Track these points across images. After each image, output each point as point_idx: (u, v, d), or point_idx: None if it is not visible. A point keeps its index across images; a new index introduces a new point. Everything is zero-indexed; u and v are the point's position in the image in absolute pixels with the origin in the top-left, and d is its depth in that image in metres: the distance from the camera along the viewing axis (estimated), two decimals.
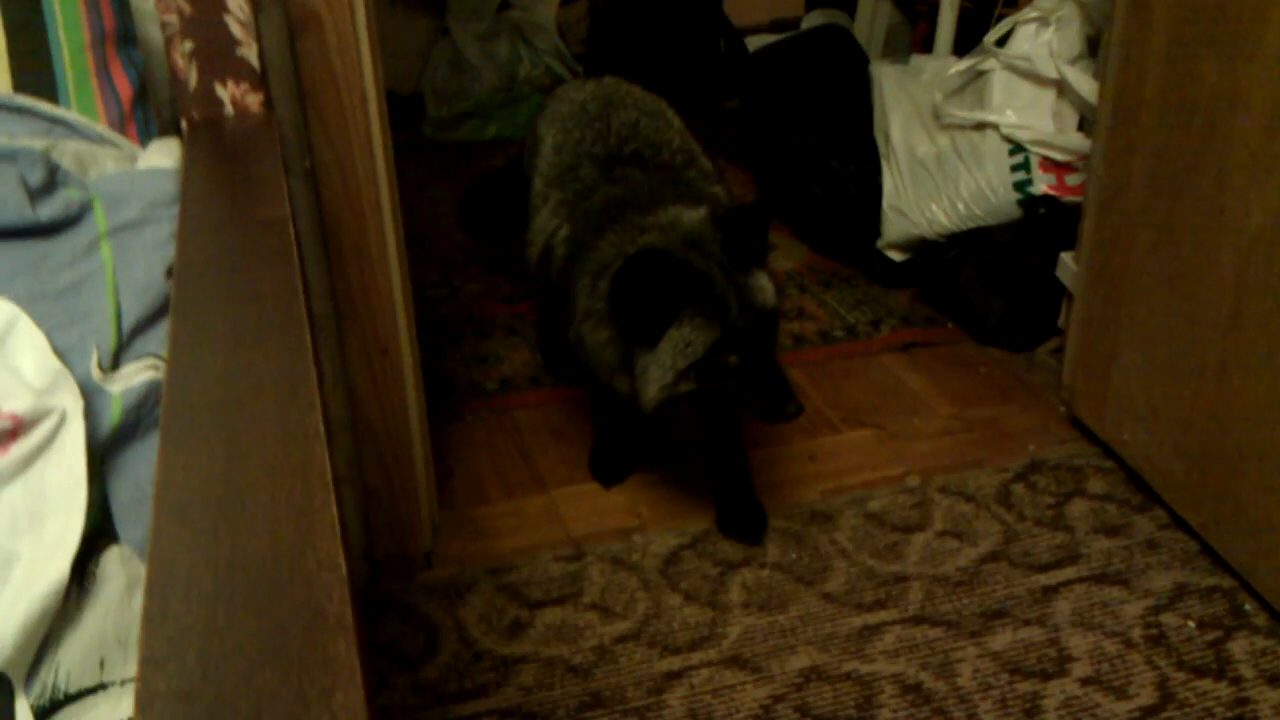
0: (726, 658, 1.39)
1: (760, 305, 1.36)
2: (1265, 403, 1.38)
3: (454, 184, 2.70)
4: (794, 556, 1.56)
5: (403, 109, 2.93)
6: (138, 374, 0.80)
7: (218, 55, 1.11)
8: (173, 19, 1.10)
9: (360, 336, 1.41)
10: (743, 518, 1.61)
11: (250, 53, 1.13)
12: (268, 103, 1.16)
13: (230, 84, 1.14)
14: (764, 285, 1.38)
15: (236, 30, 1.13)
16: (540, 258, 1.60)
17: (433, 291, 2.25)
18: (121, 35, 1.11)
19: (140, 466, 0.74)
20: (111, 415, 0.77)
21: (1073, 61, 2.04)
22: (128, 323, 0.85)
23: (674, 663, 1.38)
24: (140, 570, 0.67)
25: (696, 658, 1.39)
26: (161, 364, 0.81)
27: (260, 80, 1.14)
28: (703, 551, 1.57)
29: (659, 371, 1.34)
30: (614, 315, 1.37)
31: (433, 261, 2.36)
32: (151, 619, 0.49)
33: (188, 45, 1.10)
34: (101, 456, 0.75)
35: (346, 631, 0.46)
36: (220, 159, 1.04)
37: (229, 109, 1.12)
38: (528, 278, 1.91)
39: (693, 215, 1.41)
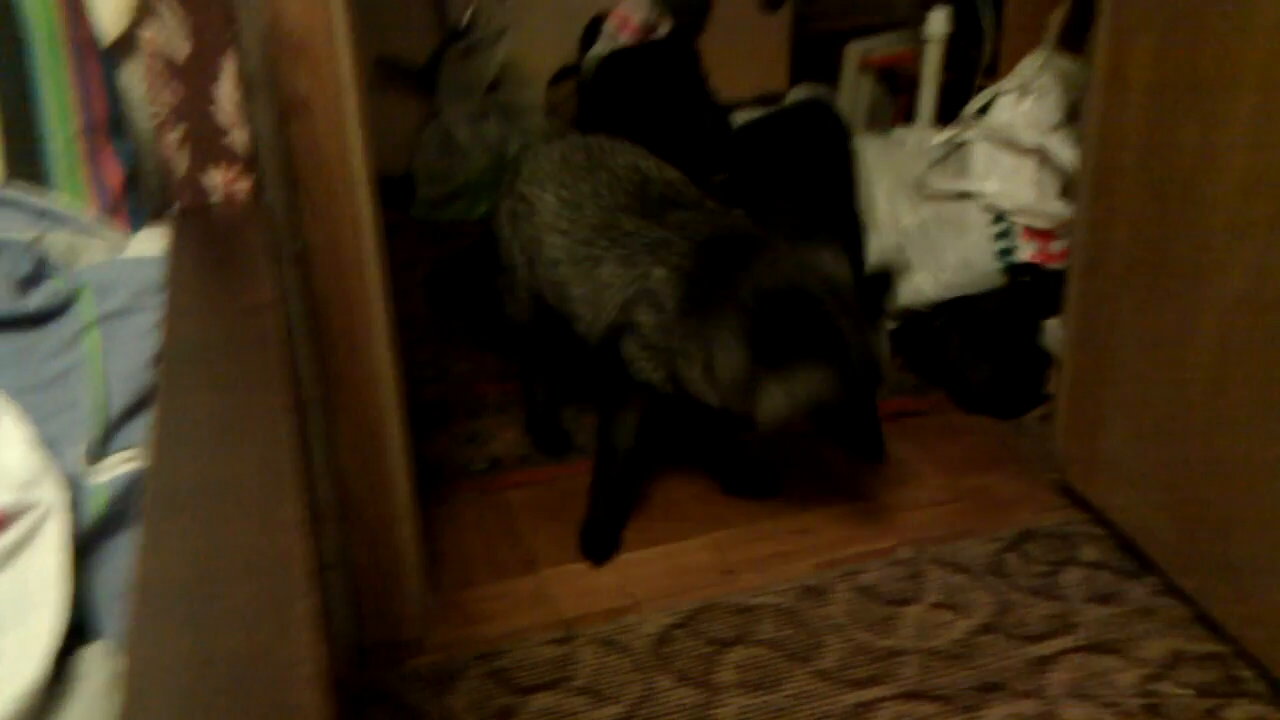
0: None
1: (880, 362, 1.52)
2: (1253, 465, 1.38)
3: None
4: (787, 633, 1.54)
5: (394, 190, 2.96)
6: (123, 464, 0.80)
7: (207, 141, 1.13)
8: (162, 106, 1.11)
9: (349, 420, 1.41)
10: (753, 475, 1.75)
11: (239, 139, 1.15)
12: (257, 188, 1.17)
13: (219, 170, 1.15)
14: (882, 343, 1.56)
15: (225, 117, 1.14)
16: (624, 307, 1.63)
17: (422, 372, 2.25)
18: (112, 123, 1.13)
19: (124, 559, 0.74)
20: (96, 506, 0.77)
21: (1053, 130, 2.07)
22: (114, 412, 0.85)
23: None
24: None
25: None
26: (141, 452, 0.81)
27: (249, 166, 1.16)
28: (695, 630, 1.55)
29: (786, 399, 1.49)
30: (754, 339, 1.48)
31: (423, 342, 2.36)
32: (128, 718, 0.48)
33: (177, 132, 1.12)
34: (85, 549, 0.74)
35: None
36: (207, 245, 1.05)
37: (217, 195, 1.13)
38: (510, 340, 1.95)
39: (839, 267, 1.54)
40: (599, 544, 1.73)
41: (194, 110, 1.12)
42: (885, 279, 1.58)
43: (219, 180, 1.13)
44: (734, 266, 1.55)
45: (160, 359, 0.80)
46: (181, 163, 1.12)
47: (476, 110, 3.11)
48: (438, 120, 3.13)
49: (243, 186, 1.13)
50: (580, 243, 1.68)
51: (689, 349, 1.56)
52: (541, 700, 1.43)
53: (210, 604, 0.56)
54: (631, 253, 1.62)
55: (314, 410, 1.38)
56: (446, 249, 2.83)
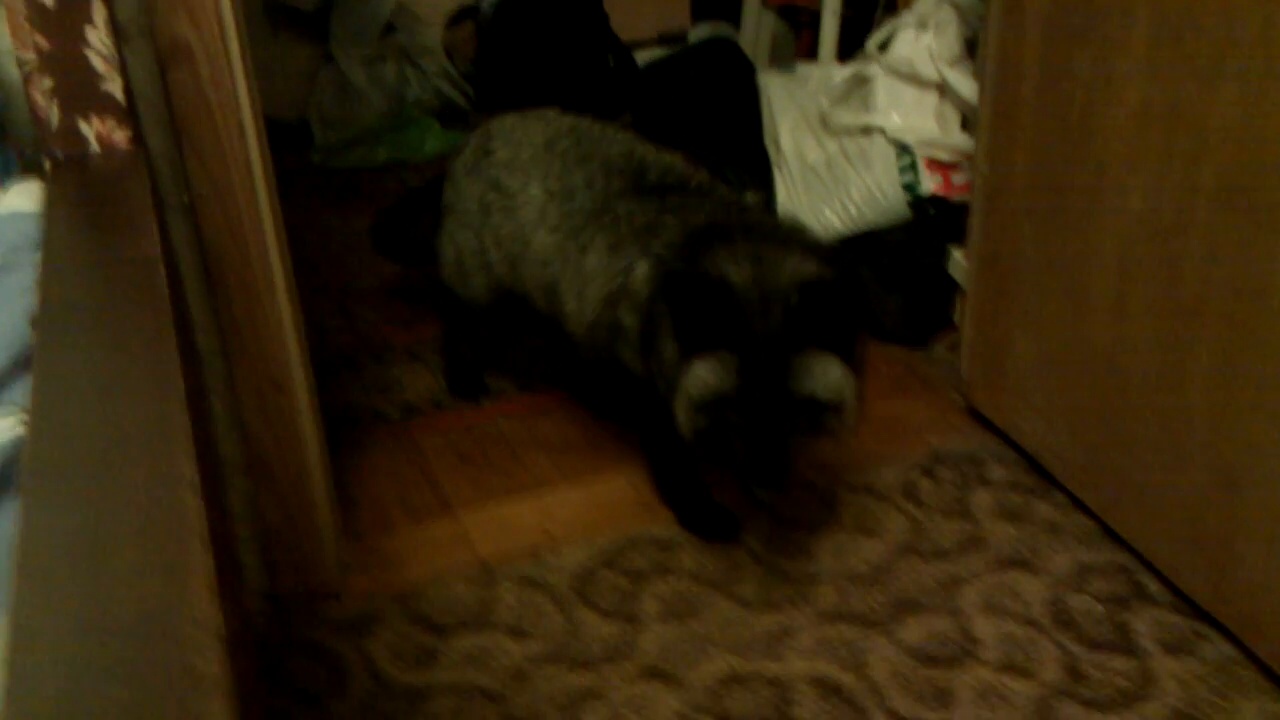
0: (643, 670, 1.38)
1: (794, 389, 1.31)
2: (1152, 384, 1.43)
3: (346, 211, 2.66)
4: (706, 563, 1.56)
5: (288, 137, 2.88)
6: (3, 428, 0.77)
7: (80, 91, 1.07)
8: (30, 55, 1.06)
9: (251, 372, 1.37)
10: (715, 518, 1.61)
11: (115, 87, 1.10)
12: (137, 138, 1.12)
13: (95, 120, 1.10)
14: (818, 372, 1.32)
15: (99, 64, 1.09)
16: (608, 302, 1.51)
17: (329, 321, 2.21)
18: None
19: (6, 524, 0.71)
20: None
21: (952, 63, 2.09)
22: None
23: (590, 679, 1.37)
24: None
25: (613, 673, 1.38)
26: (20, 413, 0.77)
27: (127, 115, 1.11)
28: (615, 565, 1.56)
29: (682, 397, 1.35)
30: (672, 321, 1.37)
31: (327, 291, 2.31)
32: (13, 692, 0.46)
33: (47, 82, 1.06)
34: None
35: (223, 693, 0.45)
36: (86, 198, 1.00)
37: (94, 146, 1.08)
38: (444, 299, 1.91)
39: (799, 269, 1.35)
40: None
41: (65, 58, 1.06)
42: (843, 298, 1.33)
43: (95, 130, 1.08)
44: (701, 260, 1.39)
45: (39, 318, 0.76)
46: (54, 113, 1.07)
47: (372, 53, 3.03)
48: (332, 64, 3.04)
49: (121, 136, 1.08)
50: (570, 236, 1.56)
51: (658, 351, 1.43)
52: (464, 640, 1.43)
53: (100, 568, 0.54)
54: (619, 239, 1.50)
55: (214, 363, 1.34)
56: (347, 197, 2.77)
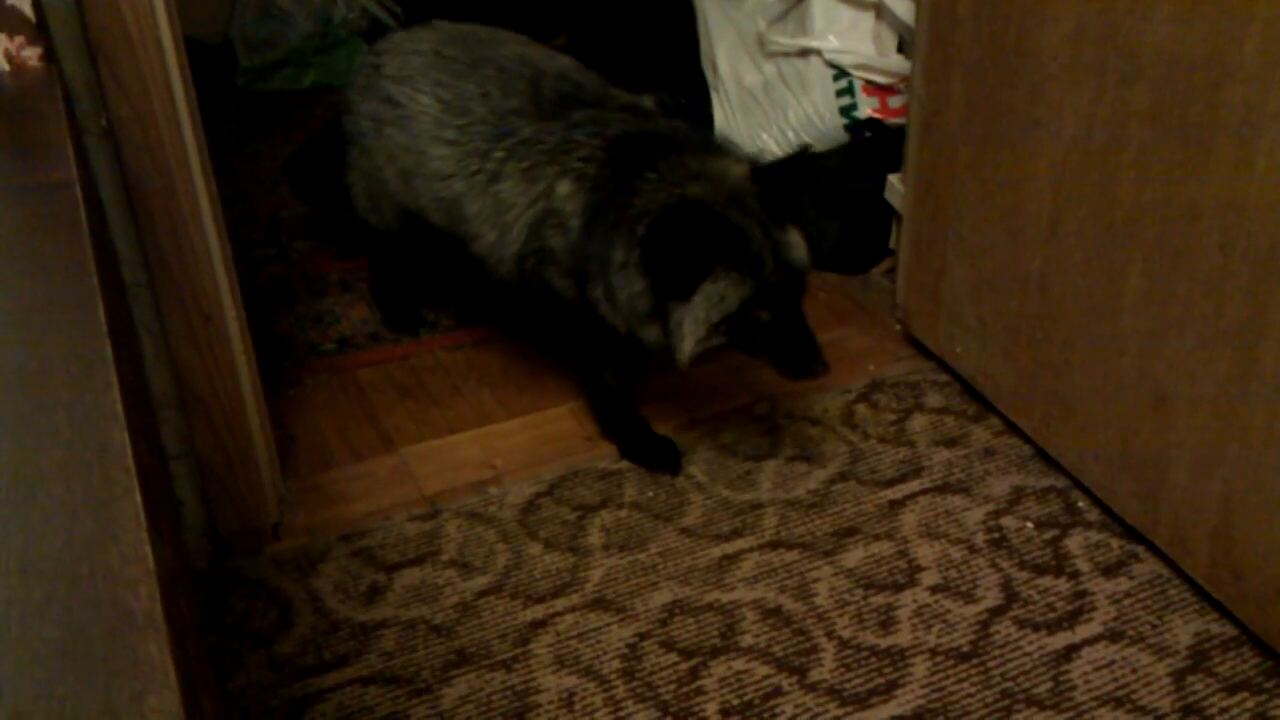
0: (590, 601, 1.38)
1: (794, 262, 1.38)
2: (1084, 308, 1.44)
3: (274, 137, 2.58)
4: (650, 494, 1.56)
5: (211, 59, 2.77)
6: None
7: None
8: None
9: (179, 304, 1.33)
10: (657, 449, 1.62)
11: (23, 2, 1.04)
12: (48, 56, 1.07)
13: (2, 38, 1.04)
14: (797, 242, 1.40)
15: None
16: (532, 228, 1.48)
17: (259, 251, 2.15)
18: None
19: None
20: None
21: None
22: None
23: (538, 611, 1.37)
24: None
25: (560, 604, 1.38)
26: None
27: (37, 32, 1.05)
28: (560, 498, 1.55)
29: (693, 325, 1.37)
30: (647, 266, 1.37)
31: (256, 220, 2.25)
32: None
33: None
34: None
35: (157, 629, 0.43)
36: None
37: (2, 65, 1.02)
38: (363, 234, 1.85)
39: (738, 170, 1.41)
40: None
41: None
42: (798, 170, 1.41)
43: (3, 48, 1.02)
44: (633, 178, 1.40)
45: None
46: None
47: None
48: None
49: (31, 54, 1.02)
50: (472, 154, 1.52)
51: (593, 270, 1.43)
52: (410, 575, 1.42)
53: (26, 505, 0.52)
54: (533, 164, 1.47)
55: (141, 295, 1.30)
56: (273, 122, 2.68)
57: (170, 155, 1.25)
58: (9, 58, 1.02)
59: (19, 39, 1.03)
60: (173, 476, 1.40)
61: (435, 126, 1.56)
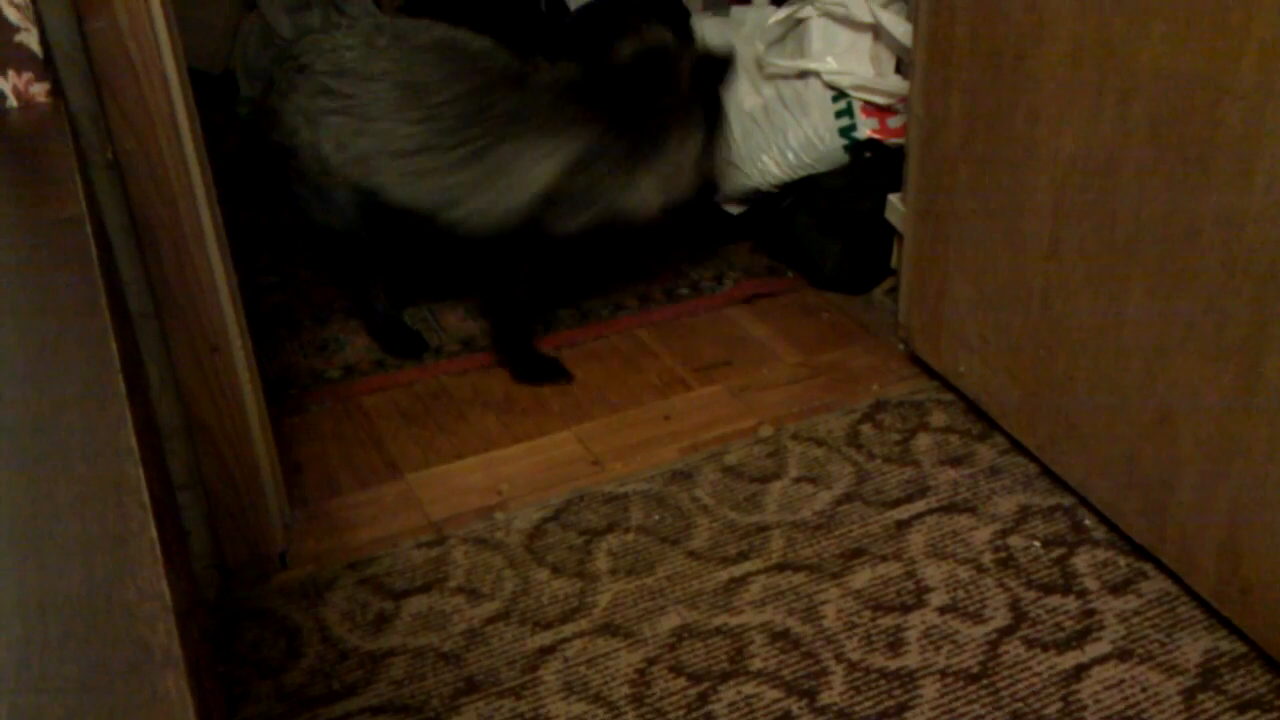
0: (598, 627, 1.38)
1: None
2: (1087, 325, 1.45)
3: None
4: (657, 518, 1.56)
5: (214, 89, 2.79)
6: None
7: None
8: None
9: (186, 334, 1.33)
10: (546, 366, 1.85)
11: (30, 39, 1.05)
12: (56, 92, 1.08)
13: (11, 74, 1.05)
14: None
15: (13, 15, 1.04)
16: (569, 175, 1.71)
17: (263, 279, 2.16)
18: None
19: None
20: None
21: (886, 5, 2.08)
22: None
23: (546, 638, 1.37)
24: None
25: (568, 630, 1.38)
26: None
27: (45, 68, 1.06)
28: (566, 522, 1.55)
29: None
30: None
31: (260, 248, 2.26)
32: None
33: None
34: None
35: (175, 665, 0.43)
36: (5, 156, 0.95)
37: (11, 101, 1.03)
38: (329, 249, 1.95)
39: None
40: (400, 340, 1.93)
41: None
42: (715, 65, 1.72)
43: (11, 85, 1.03)
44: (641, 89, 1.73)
45: None
46: None
47: (296, 0, 2.93)
48: (256, 13, 2.94)
49: (39, 90, 1.03)
50: (447, 131, 1.67)
51: (638, 176, 1.73)
52: (417, 603, 1.42)
53: (44, 541, 0.52)
54: (540, 123, 1.68)
55: (147, 325, 1.30)
56: None
57: (176, 186, 1.26)
58: (17, 94, 1.03)
59: (27, 75, 1.04)
60: (180, 506, 1.40)
61: (397, 108, 1.68)
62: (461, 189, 1.71)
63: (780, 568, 1.46)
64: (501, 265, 1.82)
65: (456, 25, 1.79)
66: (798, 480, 1.62)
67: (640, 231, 1.82)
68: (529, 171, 1.71)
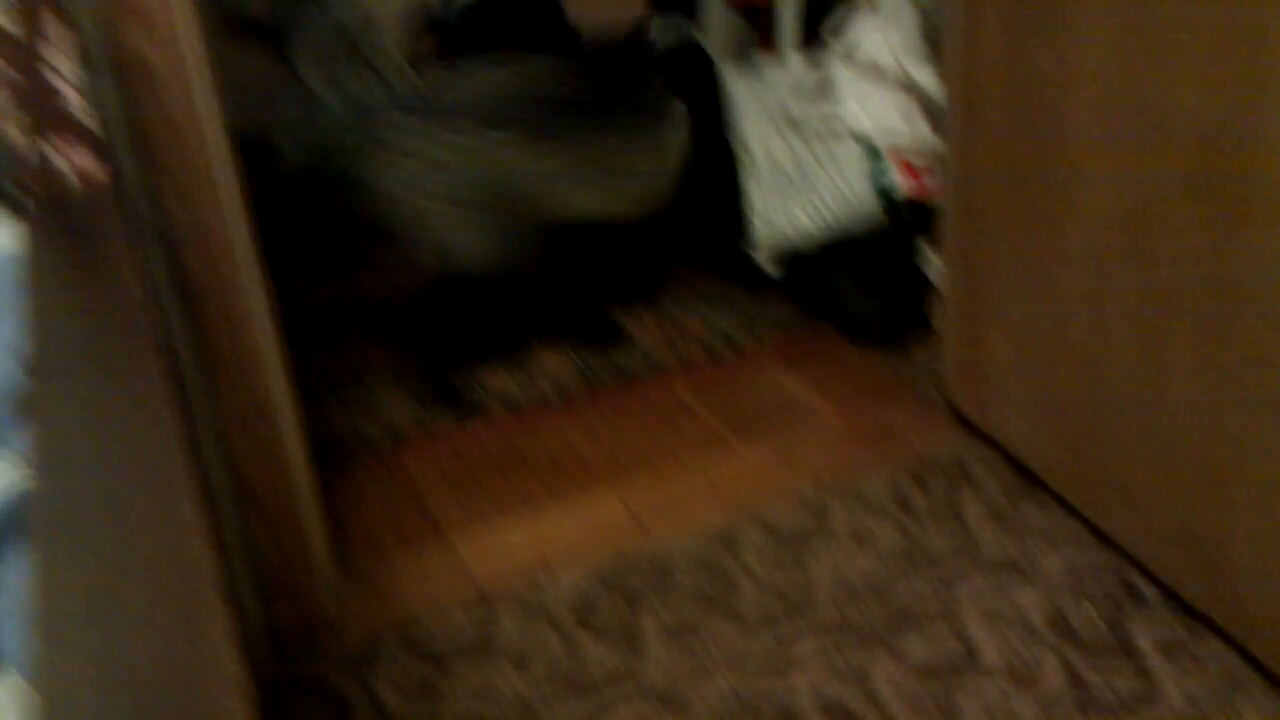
0: (646, 693, 1.37)
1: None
2: (1132, 380, 1.43)
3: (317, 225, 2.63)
4: (702, 580, 1.55)
5: (255, 151, 2.84)
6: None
7: (55, 126, 1.05)
8: (2, 92, 1.04)
9: (236, 402, 1.35)
10: (453, 393, 1.94)
11: (90, 120, 1.08)
12: (114, 170, 1.10)
13: (72, 154, 1.08)
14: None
15: (72, 98, 1.07)
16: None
17: (308, 342, 2.18)
18: None
19: (9, 576, 0.69)
20: None
21: (916, 60, 2.10)
22: None
23: (593, 704, 1.36)
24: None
25: (616, 697, 1.37)
26: (19, 462, 0.75)
27: (104, 148, 1.09)
28: (611, 584, 1.55)
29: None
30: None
31: (305, 311, 2.29)
32: None
33: (22, 118, 1.04)
34: None
35: None
36: (68, 238, 0.98)
37: (73, 181, 1.06)
38: (419, 320, 2.01)
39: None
40: (448, 391, 1.97)
41: (38, 93, 1.04)
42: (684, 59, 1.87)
43: (72, 166, 1.06)
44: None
45: (35, 365, 0.75)
46: (30, 151, 1.04)
47: (332, 61, 2.99)
48: (292, 75, 3.01)
49: (99, 170, 1.06)
50: (533, 138, 1.85)
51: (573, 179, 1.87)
52: (465, 670, 1.42)
53: (117, 622, 0.53)
54: (625, 125, 1.88)
55: (198, 393, 1.32)
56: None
57: (221, 255, 1.28)
58: (77, 174, 1.06)
59: (87, 155, 1.06)
60: (236, 576, 1.41)
61: (500, 142, 1.87)
62: (548, 179, 1.87)
63: (828, 631, 1.45)
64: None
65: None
66: (843, 540, 1.61)
67: (596, 235, 1.93)
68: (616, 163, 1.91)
